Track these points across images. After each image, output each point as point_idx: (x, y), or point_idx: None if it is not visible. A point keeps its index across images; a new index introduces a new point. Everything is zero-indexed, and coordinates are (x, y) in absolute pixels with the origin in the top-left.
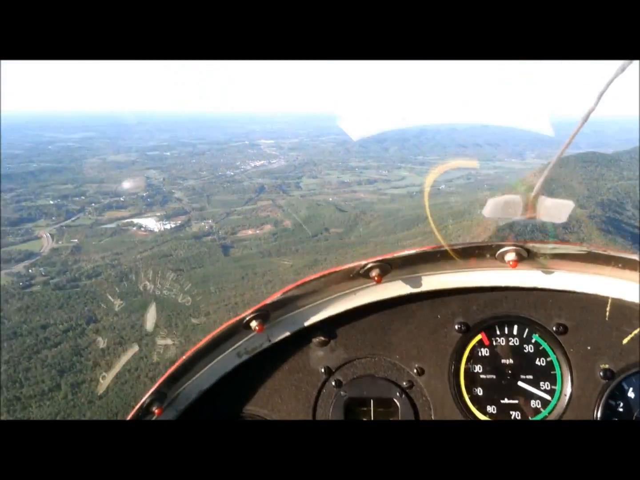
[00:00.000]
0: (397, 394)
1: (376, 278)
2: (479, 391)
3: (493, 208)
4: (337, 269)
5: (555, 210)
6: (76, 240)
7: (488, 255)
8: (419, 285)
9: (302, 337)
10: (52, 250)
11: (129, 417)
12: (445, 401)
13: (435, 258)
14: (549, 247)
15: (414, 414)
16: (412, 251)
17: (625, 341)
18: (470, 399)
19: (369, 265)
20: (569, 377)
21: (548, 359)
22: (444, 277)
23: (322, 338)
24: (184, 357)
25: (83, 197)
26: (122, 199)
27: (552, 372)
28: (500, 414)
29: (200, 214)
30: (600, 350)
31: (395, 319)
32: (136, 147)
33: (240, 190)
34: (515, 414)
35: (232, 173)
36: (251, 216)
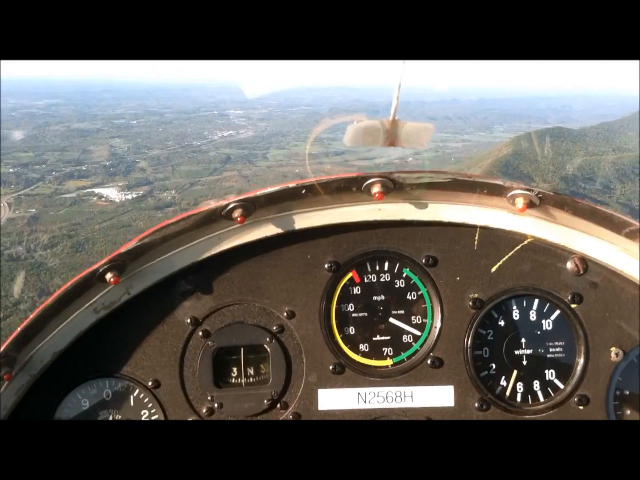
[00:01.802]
0: (268, 339)
1: (239, 219)
2: (351, 330)
3: (353, 136)
4: (196, 211)
5: (415, 135)
6: (34, 210)
7: (354, 189)
8: (287, 225)
9: (165, 287)
10: (8, 220)
11: None
12: (316, 343)
13: (301, 195)
14: (414, 177)
15: (285, 358)
16: (275, 188)
17: (493, 269)
18: (342, 338)
19: (231, 206)
20: (439, 310)
21: (419, 293)
22: (313, 215)
23: (187, 287)
24: (31, 317)
25: (44, 166)
26: (84, 167)
27: (423, 306)
28: (372, 351)
29: (164, 184)
30: (470, 280)
31: (264, 262)
32: (102, 114)
33: (206, 161)
34: (387, 350)
35: (198, 143)
36: (215, 186)
